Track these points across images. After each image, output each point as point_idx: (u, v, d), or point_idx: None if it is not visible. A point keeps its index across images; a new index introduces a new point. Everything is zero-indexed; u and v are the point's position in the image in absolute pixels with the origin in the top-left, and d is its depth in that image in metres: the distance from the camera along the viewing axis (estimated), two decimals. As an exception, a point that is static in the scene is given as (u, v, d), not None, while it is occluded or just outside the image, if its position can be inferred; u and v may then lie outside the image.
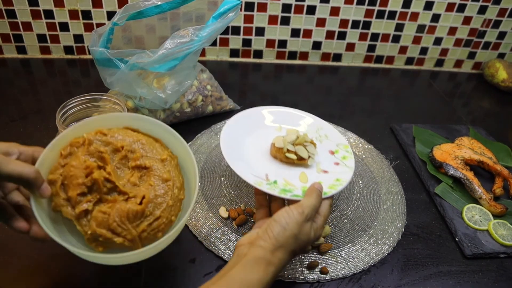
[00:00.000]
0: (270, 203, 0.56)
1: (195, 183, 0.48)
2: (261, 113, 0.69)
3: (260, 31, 1.07)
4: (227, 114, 0.87)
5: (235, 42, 1.09)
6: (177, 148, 0.51)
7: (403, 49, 1.15)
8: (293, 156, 0.59)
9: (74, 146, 0.46)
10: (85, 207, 0.43)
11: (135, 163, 0.47)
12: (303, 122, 0.70)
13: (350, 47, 1.13)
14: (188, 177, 0.51)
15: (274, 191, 0.53)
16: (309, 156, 0.61)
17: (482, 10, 1.09)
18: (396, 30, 1.11)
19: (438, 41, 1.14)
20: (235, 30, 1.06)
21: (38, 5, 0.95)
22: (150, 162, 0.47)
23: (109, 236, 0.43)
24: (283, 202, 0.55)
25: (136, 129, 0.51)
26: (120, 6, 0.97)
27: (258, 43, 1.09)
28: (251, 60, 1.13)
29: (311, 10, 1.05)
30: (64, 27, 0.99)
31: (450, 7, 1.08)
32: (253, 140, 0.64)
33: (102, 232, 0.42)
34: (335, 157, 0.63)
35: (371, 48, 1.14)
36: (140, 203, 0.44)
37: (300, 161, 0.60)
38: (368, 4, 1.05)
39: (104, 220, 0.43)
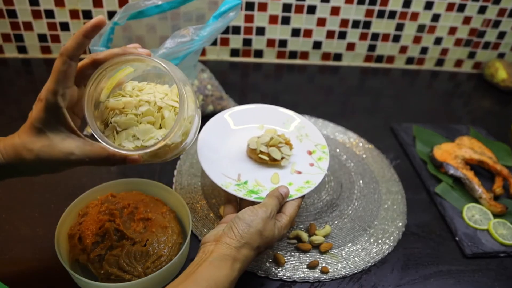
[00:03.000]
0: (241, 200, 0.56)
1: (189, 228, 0.55)
2: (246, 111, 0.68)
3: (260, 31, 1.07)
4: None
5: (236, 41, 1.09)
6: (175, 203, 0.60)
7: (403, 49, 1.16)
8: (266, 158, 0.60)
9: (89, 207, 0.56)
10: (99, 252, 0.51)
11: (139, 216, 0.56)
12: (286, 120, 0.68)
13: (351, 46, 1.13)
14: (185, 228, 0.58)
15: (240, 193, 0.54)
16: (283, 157, 0.61)
17: (482, 10, 1.09)
18: (396, 29, 1.11)
19: (438, 40, 1.15)
20: (236, 30, 1.06)
21: (38, 5, 0.95)
22: (152, 215, 0.56)
23: (119, 274, 0.49)
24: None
25: (140, 192, 0.61)
26: (120, 6, 0.97)
27: (258, 42, 1.09)
28: (252, 59, 1.13)
29: (312, 9, 1.05)
30: (65, 26, 0.99)
31: (450, 7, 1.08)
32: (236, 138, 0.64)
33: (113, 271, 0.49)
34: (311, 157, 0.63)
35: (372, 48, 1.14)
36: (144, 245, 0.52)
37: (273, 162, 0.60)
38: (369, 4, 1.05)
39: (115, 261, 0.50)
